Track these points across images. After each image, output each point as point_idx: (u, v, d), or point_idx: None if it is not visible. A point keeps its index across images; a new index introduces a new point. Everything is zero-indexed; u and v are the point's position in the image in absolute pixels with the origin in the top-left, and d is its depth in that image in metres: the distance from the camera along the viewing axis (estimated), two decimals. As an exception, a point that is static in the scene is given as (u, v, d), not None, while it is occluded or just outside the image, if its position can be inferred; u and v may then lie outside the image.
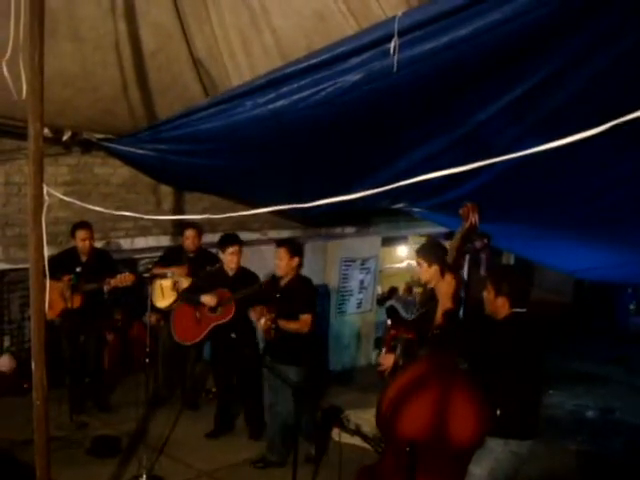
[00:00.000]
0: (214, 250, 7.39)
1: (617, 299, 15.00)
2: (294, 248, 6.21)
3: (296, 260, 6.13)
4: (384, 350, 5.14)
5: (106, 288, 6.76)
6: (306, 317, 6.06)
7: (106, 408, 7.34)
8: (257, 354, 6.68)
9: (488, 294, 4.38)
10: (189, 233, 7.39)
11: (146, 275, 6.70)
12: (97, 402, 7.36)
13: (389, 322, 5.46)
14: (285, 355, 6.12)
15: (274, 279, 6.34)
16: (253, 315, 6.38)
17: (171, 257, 7.47)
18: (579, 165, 4.72)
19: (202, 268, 7.05)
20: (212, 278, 6.77)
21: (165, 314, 7.33)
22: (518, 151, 4.25)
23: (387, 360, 4.99)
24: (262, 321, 6.09)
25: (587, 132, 1.92)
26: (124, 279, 6.71)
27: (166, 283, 7.30)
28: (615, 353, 12.41)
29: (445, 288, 4.06)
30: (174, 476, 5.95)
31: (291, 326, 6.03)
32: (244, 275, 6.68)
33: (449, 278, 4.03)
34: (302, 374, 6.10)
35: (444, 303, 4.05)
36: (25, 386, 6.75)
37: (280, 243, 6.38)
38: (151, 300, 6.87)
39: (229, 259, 6.64)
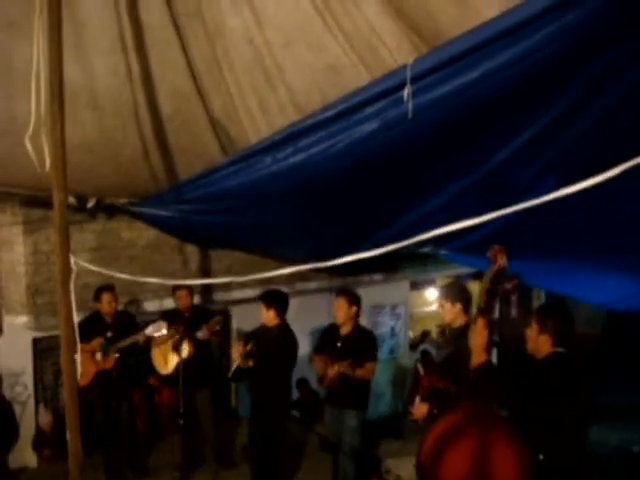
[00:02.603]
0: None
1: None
2: (353, 297, 6.31)
3: (354, 309, 6.21)
4: (417, 399, 5.08)
5: (141, 339, 6.75)
6: (371, 365, 6.21)
7: (143, 472, 7.28)
8: (285, 415, 6.62)
9: (531, 331, 4.30)
10: (182, 293, 7.26)
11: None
12: (133, 467, 7.31)
13: (421, 370, 5.40)
14: (346, 400, 6.21)
15: (332, 327, 6.45)
16: (316, 365, 6.34)
17: (168, 321, 7.10)
18: (605, 196, 4.69)
19: (199, 326, 6.95)
20: None
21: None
22: (541, 186, 4.26)
23: (421, 409, 4.95)
24: (330, 370, 6.11)
25: (611, 172, 1.91)
26: (159, 327, 6.72)
27: (166, 349, 7.12)
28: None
29: (478, 339, 4.03)
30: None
31: (361, 373, 6.11)
32: (281, 331, 6.48)
33: (480, 326, 4.00)
34: (359, 417, 6.24)
35: (478, 355, 4.02)
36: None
37: (339, 292, 6.50)
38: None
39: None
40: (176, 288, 7.31)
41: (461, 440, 4.08)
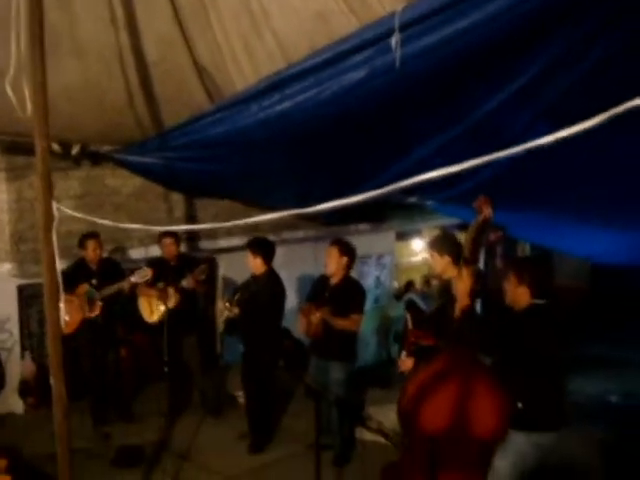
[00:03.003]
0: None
1: (636, 282, 14.88)
2: (345, 247, 6.28)
3: (345, 259, 6.19)
4: (404, 353, 5.13)
5: (126, 286, 6.75)
6: (357, 317, 6.20)
7: (128, 417, 7.35)
8: (275, 362, 6.68)
9: (509, 284, 4.32)
10: (167, 241, 7.26)
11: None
12: (119, 412, 7.38)
13: (409, 322, 5.43)
14: (331, 352, 6.22)
15: (323, 278, 6.45)
16: (301, 313, 6.39)
17: (155, 269, 7.08)
18: (592, 148, 4.68)
19: (185, 275, 6.95)
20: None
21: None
22: (530, 137, 4.24)
23: (407, 364, 5.00)
24: (313, 318, 6.13)
25: (596, 118, 1.89)
26: (144, 275, 6.73)
27: (152, 298, 7.12)
28: (635, 336, 12.32)
29: (462, 285, 4.05)
30: (200, 482, 5.98)
31: (342, 323, 6.11)
32: (269, 278, 6.60)
33: (465, 274, 4.02)
34: (347, 369, 6.25)
35: (461, 300, 4.05)
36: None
37: (333, 241, 6.46)
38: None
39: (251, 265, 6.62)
40: (162, 236, 7.29)
41: (442, 386, 4.13)
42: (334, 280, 6.28)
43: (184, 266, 7.15)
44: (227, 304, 6.47)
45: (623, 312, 13.46)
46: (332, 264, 6.24)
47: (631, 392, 9.11)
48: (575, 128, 1.93)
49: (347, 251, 6.24)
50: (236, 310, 6.43)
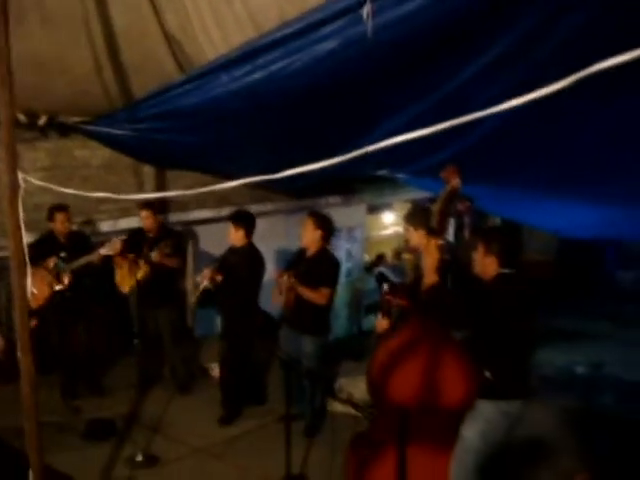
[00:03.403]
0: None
1: (602, 255, 15.08)
2: (319, 220, 6.26)
3: (319, 232, 6.17)
4: (380, 315, 5.15)
5: (95, 259, 6.68)
6: (325, 290, 6.14)
7: (98, 391, 7.33)
8: (254, 334, 6.71)
9: (477, 253, 4.33)
10: (143, 214, 7.21)
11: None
12: (89, 386, 7.35)
13: (386, 287, 5.47)
14: (303, 325, 6.23)
15: (301, 250, 6.46)
16: (276, 277, 6.38)
17: (133, 240, 7.14)
18: (560, 124, 4.71)
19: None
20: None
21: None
22: (497, 116, 4.25)
23: (382, 324, 5.02)
24: (282, 283, 6.15)
25: (557, 84, 1.89)
26: (113, 247, 6.65)
27: (125, 269, 7.06)
28: (603, 309, 12.51)
29: (429, 258, 4.07)
30: (170, 454, 5.99)
31: (308, 294, 6.09)
32: (250, 251, 6.64)
33: (432, 246, 4.03)
34: (317, 344, 6.24)
35: (429, 274, 4.07)
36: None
37: (309, 214, 6.45)
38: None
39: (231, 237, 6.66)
40: (140, 208, 7.25)
41: (411, 357, 4.17)
42: (309, 252, 6.28)
43: (163, 238, 7.10)
44: (212, 272, 6.44)
45: (589, 285, 13.66)
46: (306, 236, 6.26)
47: (597, 363, 9.25)
48: (541, 92, 1.92)
49: (321, 224, 6.23)
50: (219, 278, 6.42)
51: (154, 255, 6.83)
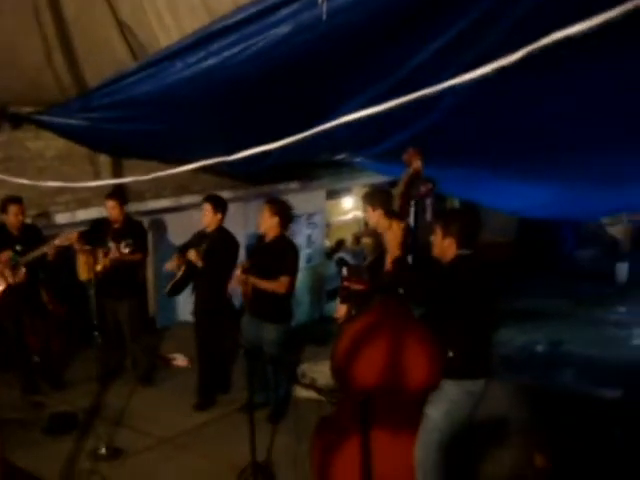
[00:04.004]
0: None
1: (559, 235, 15.31)
2: (275, 207, 6.21)
3: (276, 219, 6.14)
4: (338, 300, 5.20)
5: (50, 251, 6.54)
6: (285, 279, 6.09)
7: (59, 385, 7.24)
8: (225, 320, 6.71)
9: (436, 236, 4.32)
10: (109, 204, 7.07)
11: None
12: (49, 380, 7.25)
13: (345, 273, 5.50)
14: (264, 313, 6.20)
15: (260, 237, 6.43)
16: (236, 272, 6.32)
17: (97, 230, 7.09)
18: (512, 103, 4.75)
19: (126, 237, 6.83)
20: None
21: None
22: (453, 94, 4.26)
23: (340, 310, 5.04)
24: (237, 273, 6.11)
25: (508, 58, 1.90)
26: (68, 238, 6.55)
27: (85, 258, 6.88)
28: (562, 288, 12.71)
29: (392, 237, 4.09)
30: (135, 446, 5.94)
31: (266, 285, 6.06)
32: (225, 234, 6.65)
33: (396, 226, 4.06)
34: (278, 331, 6.21)
35: (392, 251, 4.09)
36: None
37: (266, 201, 6.41)
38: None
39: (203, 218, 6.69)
40: (107, 198, 7.10)
41: (373, 340, 4.19)
42: (267, 239, 6.25)
43: (127, 230, 7.02)
44: (196, 256, 6.43)
45: (548, 265, 13.88)
46: (263, 223, 6.22)
47: (556, 341, 9.42)
48: (493, 65, 1.93)
49: (278, 211, 6.18)
50: (200, 264, 6.41)
51: (112, 253, 6.74)
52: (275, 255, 6.13)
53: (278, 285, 6.05)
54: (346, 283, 5.31)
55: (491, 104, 4.63)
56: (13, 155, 7.27)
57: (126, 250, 6.69)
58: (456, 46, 4.02)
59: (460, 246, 4.22)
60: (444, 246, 4.27)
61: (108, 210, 7.10)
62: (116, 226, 7.09)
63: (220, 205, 6.66)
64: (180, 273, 6.65)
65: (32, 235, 6.87)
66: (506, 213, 10.56)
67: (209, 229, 6.64)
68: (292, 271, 6.22)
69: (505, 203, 8.71)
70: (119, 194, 7.24)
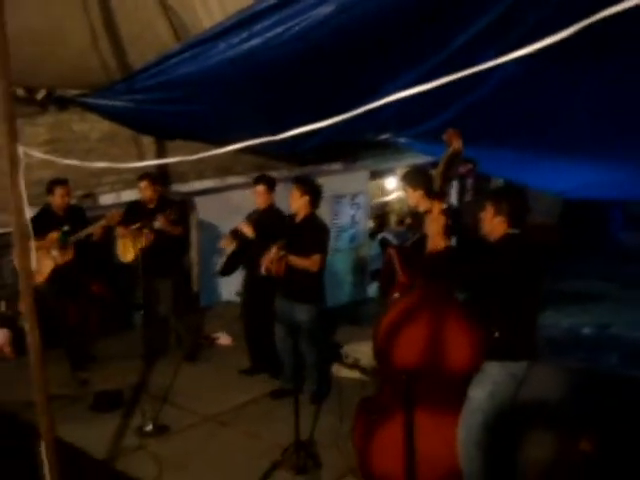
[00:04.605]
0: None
1: (605, 216, 15.06)
2: (305, 187, 6.21)
3: (306, 198, 6.14)
4: (397, 295, 5.04)
5: (96, 231, 6.71)
6: (316, 257, 6.09)
7: (88, 364, 7.33)
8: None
9: (486, 213, 4.27)
10: (142, 184, 7.15)
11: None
12: (91, 358, 7.42)
13: (396, 264, 5.39)
14: (294, 293, 6.20)
15: (291, 217, 6.43)
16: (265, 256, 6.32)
17: (132, 212, 7.18)
18: (559, 83, 4.67)
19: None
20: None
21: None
22: (500, 73, 4.21)
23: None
24: (272, 251, 6.10)
25: (557, 35, 1.86)
26: (114, 217, 6.71)
27: (127, 239, 7.06)
28: (608, 270, 12.52)
29: (433, 217, 4.07)
30: (179, 423, 6.03)
31: (300, 262, 6.05)
32: (276, 212, 6.75)
33: (436, 207, 4.04)
34: (311, 312, 6.18)
35: (433, 237, 4.07)
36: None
37: (294, 181, 6.42)
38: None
39: (256, 199, 6.79)
40: (138, 179, 7.20)
41: (416, 320, 4.19)
42: (297, 219, 6.26)
43: (162, 209, 7.06)
44: (247, 229, 6.54)
45: (593, 247, 13.67)
46: (293, 203, 6.23)
47: (602, 324, 9.29)
48: (542, 42, 1.89)
49: (307, 190, 6.18)
50: (252, 233, 6.53)
51: (159, 221, 6.81)
52: (306, 234, 6.13)
53: (311, 263, 6.05)
54: (404, 279, 5.18)
55: (537, 83, 4.55)
56: (59, 137, 7.38)
57: (172, 217, 6.77)
58: (500, 24, 3.97)
59: (510, 225, 4.18)
60: (494, 224, 4.22)
61: (141, 190, 7.19)
62: (150, 206, 7.18)
63: (273, 185, 6.81)
64: (231, 249, 6.71)
65: (77, 216, 6.99)
66: (551, 194, 10.40)
67: (262, 207, 6.76)
68: (323, 249, 6.22)
69: (550, 184, 8.57)
70: (150, 174, 7.31)
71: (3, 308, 7.84)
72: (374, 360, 4.54)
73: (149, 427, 5.82)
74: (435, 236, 4.05)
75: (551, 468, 4.99)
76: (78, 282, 7.13)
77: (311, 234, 6.15)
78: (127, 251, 7.00)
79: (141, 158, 8.02)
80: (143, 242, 6.74)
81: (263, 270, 6.23)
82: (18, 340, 7.27)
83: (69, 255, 6.70)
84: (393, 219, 12.69)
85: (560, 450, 5.15)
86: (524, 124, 5.91)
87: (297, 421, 5.09)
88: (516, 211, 4.20)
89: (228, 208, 9.12)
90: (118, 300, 8.57)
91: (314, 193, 6.22)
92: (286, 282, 6.18)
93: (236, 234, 6.68)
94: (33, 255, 3.17)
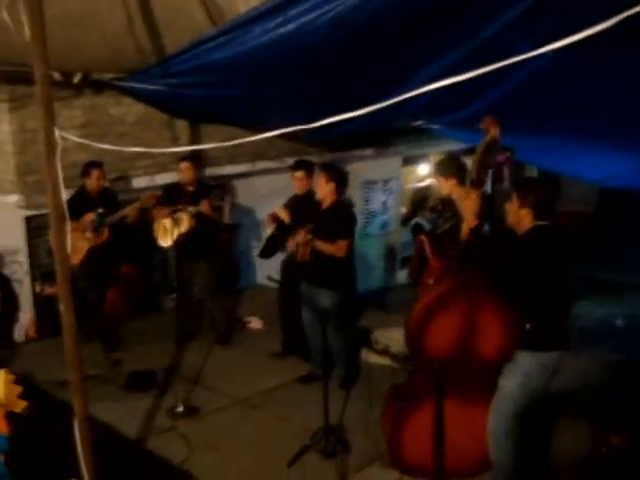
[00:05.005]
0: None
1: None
2: (331, 173, 6.19)
3: (332, 185, 6.13)
4: (431, 281, 5.00)
5: (132, 213, 6.81)
6: (342, 242, 6.08)
7: (115, 347, 7.38)
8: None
9: (512, 205, 4.22)
10: (184, 165, 7.14)
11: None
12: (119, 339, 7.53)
13: (427, 250, 5.35)
14: (319, 279, 6.20)
15: (318, 203, 6.40)
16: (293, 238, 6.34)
17: (170, 195, 7.17)
18: (595, 71, 4.61)
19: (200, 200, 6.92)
20: None
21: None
22: (533, 62, 4.16)
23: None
24: (300, 235, 6.12)
25: (596, 27, 1.84)
26: (147, 200, 6.78)
27: (167, 222, 7.01)
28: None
29: (469, 205, 4.05)
30: (210, 405, 6.09)
31: (326, 248, 6.05)
32: (309, 200, 6.72)
33: (473, 194, 4.01)
34: (336, 297, 6.17)
35: (469, 220, 4.05)
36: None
37: (320, 167, 6.43)
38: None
39: (295, 185, 6.80)
40: (179, 161, 7.22)
41: (449, 308, 4.17)
42: (324, 205, 6.24)
43: (201, 192, 7.09)
44: (283, 211, 6.60)
45: (629, 236, 13.46)
46: (320, 190, 6.23)
47: (636, 315, 9.18)
48: (580, 34, 1.87)
49: (333, 177, 6.16)
50: (287, 218, 6.57)
51: (203, 206, 6.84)
52: (333, 220, 6.11)
53: (337, 248, 6.04)
54: (436, 264, 5.15)
55: (575, 72, 4.50)
56: (95, 120, 7.45)
57: (215, 201, 6.82)
58: (532, 16, 3.92)
59: (537, 217, 4.11)
60: (520, 216, 4.16)
61: (182, 172, 7.18)
62: (190, 189, 7.17)
63: (312, 170, 6.82)
64: (269, 232, 6.77)
65: (110, 199, 7.08)
66: (587, 182, 10.28)
67: (301, 192, 6.77)
68: (350, 235, 6.21)
69: (587, 172, 8.48)
70: (192, 156, 7.33)
71: (38, 288, 7.95)
72: (405, 347, 4.53)
73: (180, 408, 5.88)
74: (470, 217, 4.03)
75: (581, 460, 4.95)
76: (110, 264, 7.20)
77: (337, 220, 6.14)
78: (167, 234, 6.98)
79: (175, 142, 8.06)
80: (185, 226, 6.78)
81: (289, 250, 6.26)
82: (50, 321, 7.34)
83: (104, 237, 6.77)
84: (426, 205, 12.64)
85: (591, 442, 5.11)
86: (561, 113, 5.85)
87: (326, 406, 5.12)
88: (543, 203, 4.12)
89: (260, 192, 9.16)
90: (147, 283, 8.66)
91: (340, 180, 6.21)
92: (311, 268, 6.20)
93: (274, 217, 6.71)
94: (69, 237, 3.21)
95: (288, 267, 6.96)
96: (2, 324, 7.49)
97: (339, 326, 6.19)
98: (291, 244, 6.33)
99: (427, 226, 10.49)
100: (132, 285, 8.39)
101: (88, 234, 6.73)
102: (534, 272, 4.03)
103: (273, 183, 8.98)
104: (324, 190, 6.16)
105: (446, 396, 3.85)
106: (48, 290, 7.58)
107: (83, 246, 6.72)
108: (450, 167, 5.16)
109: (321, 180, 6.15)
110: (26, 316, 7.80)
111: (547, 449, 4.96)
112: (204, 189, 7.18)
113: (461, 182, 4.84)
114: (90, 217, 6.71)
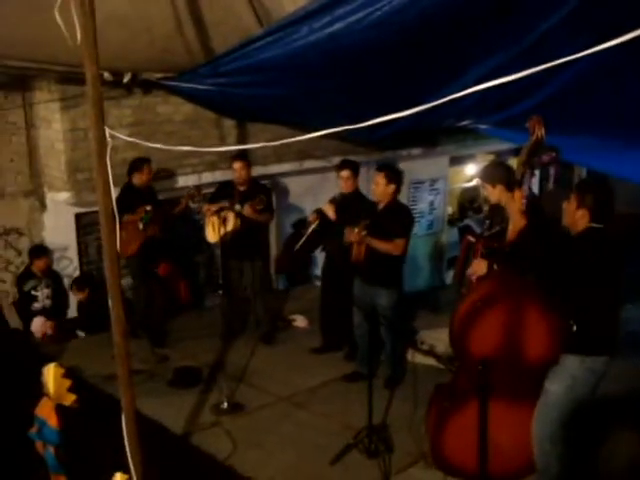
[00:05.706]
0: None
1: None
2: (391, 174, 6.10)
3: (392, 187, 6.07)
4: (478, 259, 4.92)
5: (179, 209, 7.09)
6: (399, 241, 6.04)
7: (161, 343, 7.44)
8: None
9: (569, 205, 4.14)
10: (237, 165, 7.14)
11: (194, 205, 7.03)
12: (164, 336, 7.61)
13: (472, 238, 5.33)
14: (374, 278, 6.17)
15: (373, 203, 6.37)
16: (347, 234, 6.28)
17: (222, 192, 7.27)
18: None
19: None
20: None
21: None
22: (584, 62, 4.11)
23: (480, 266, 4.75)
24: (353, 236, 6.09)
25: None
26: (190, 194, 7.04)
27: (215, 219, 6.95)
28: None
29: (515, 206, 4.02)
30: (254, 402, 6.13)
31: (382, 245, 6.00)
32: (356, 199, 6.79)
33: (517, 195, 3.99)
34: (391, 297, 6.16)
35: (515, 220, 4.02)
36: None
37: (379, 167, 6.33)
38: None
39: (341, 184, 6.85)
40: (232, 160, 7.26)
41: (494, 309, 4.14)
42: (381, 205, 6.18)
43: (250, 193, 7.09)
44: (331, 208, 6.68)
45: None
46: (378, 191, 6.12)
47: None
48: (627, 36, 1.84)
49: (393, 178, 6.07)
50: (332, 215, 6.65)
51: (246, 210, 6.89)
52: (392, 219, 6.05)
53: (393, 246, 5.99)
54: (481, 245, 5.07)
55: (621, 73, 4.43)
56: (144, 119, 7.55)
57: (260, 206, 6.86)
58: (581, 15, 3.88)
59: (593, 219, 4.04)
60: (577, 217, 4.09)
61: (236, 171, 7.18)
62: (242, 188, 7.18)
63: (357, 170, 6.87)
64: (313, 228, 6.80)
65: (153, 196, 7.24)
66: (636, 183, 10.09)
67: (347, 191, 6.80)
68: (407, 234, 6.16)
69: (635, 173, 8.33)
70: (245, 155, 7.36)
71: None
72: (450, 348, 4.51)
73: (225, 405, 5.94)
74: (516, 218, 4.01)
75: (627, 468, 4.87)
76: (162, 257, 7.35)
77: (395, 218, 6.08)
78: (214, 231, 7.03)
79: (222, 140, 8.13)
80: (230, 226, 6.84)
81: (345, 241, 6.24)
82: (97, 318, 7.41)
83: (155, 230, 6.92)
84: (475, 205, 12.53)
85: (634, 452, 5.01)
86: (608, 112, 5.76)
87: (370, 405, 5.12)
88: (600, 206, 4.05)
89: (306, 191, 9.19)
90: (187, 280, 8.73)
91: (400, 182, 6.15)
92: (367, 267, 6.16)
93: (320, 213, 6.72)
94: (117, 234, 3.27)
95: (329, 266, 6.96)
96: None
97: (392, 326, 6.17)
98: (347, 234, 6.29)
99: (476, 228, 10.42)
100: (170, 282, 8.45)
101: (139, 228, 6.85)
102: (586, 274, 3.97)
103: (318, 182, 9.02)
104: (384, 191, 6.06)
105: (490, 397, 3.83)
106: (79, 295, 7.69)
107: (137, 239, 6.85)
108: (495, 174, 5.06)
109: (380, 180, 6.04)
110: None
111: (592, 456, 4.88)
112: (253, 191, 7.15)
113: (508, 187, 4.74)
114: (142, 211, 6.83)
